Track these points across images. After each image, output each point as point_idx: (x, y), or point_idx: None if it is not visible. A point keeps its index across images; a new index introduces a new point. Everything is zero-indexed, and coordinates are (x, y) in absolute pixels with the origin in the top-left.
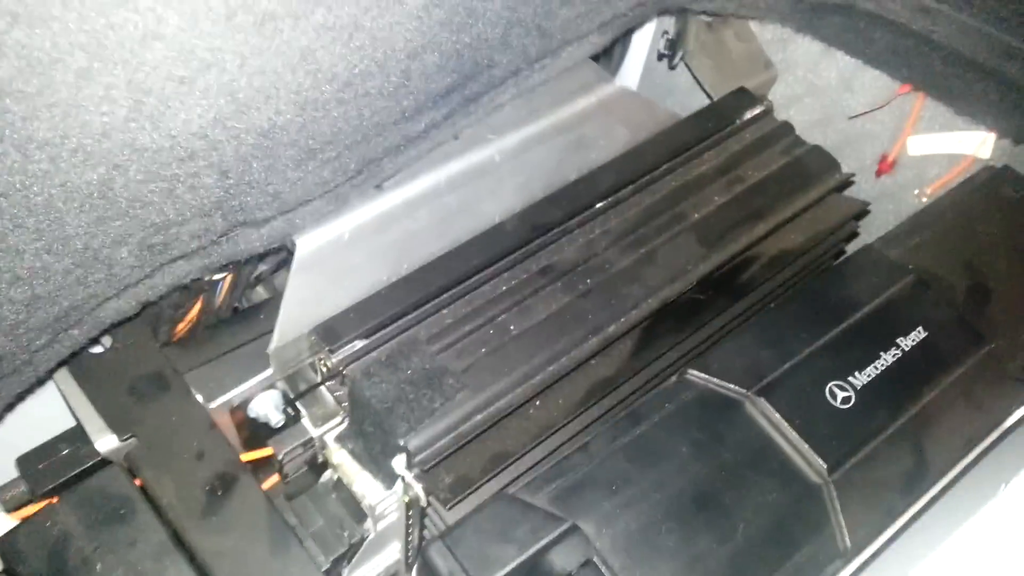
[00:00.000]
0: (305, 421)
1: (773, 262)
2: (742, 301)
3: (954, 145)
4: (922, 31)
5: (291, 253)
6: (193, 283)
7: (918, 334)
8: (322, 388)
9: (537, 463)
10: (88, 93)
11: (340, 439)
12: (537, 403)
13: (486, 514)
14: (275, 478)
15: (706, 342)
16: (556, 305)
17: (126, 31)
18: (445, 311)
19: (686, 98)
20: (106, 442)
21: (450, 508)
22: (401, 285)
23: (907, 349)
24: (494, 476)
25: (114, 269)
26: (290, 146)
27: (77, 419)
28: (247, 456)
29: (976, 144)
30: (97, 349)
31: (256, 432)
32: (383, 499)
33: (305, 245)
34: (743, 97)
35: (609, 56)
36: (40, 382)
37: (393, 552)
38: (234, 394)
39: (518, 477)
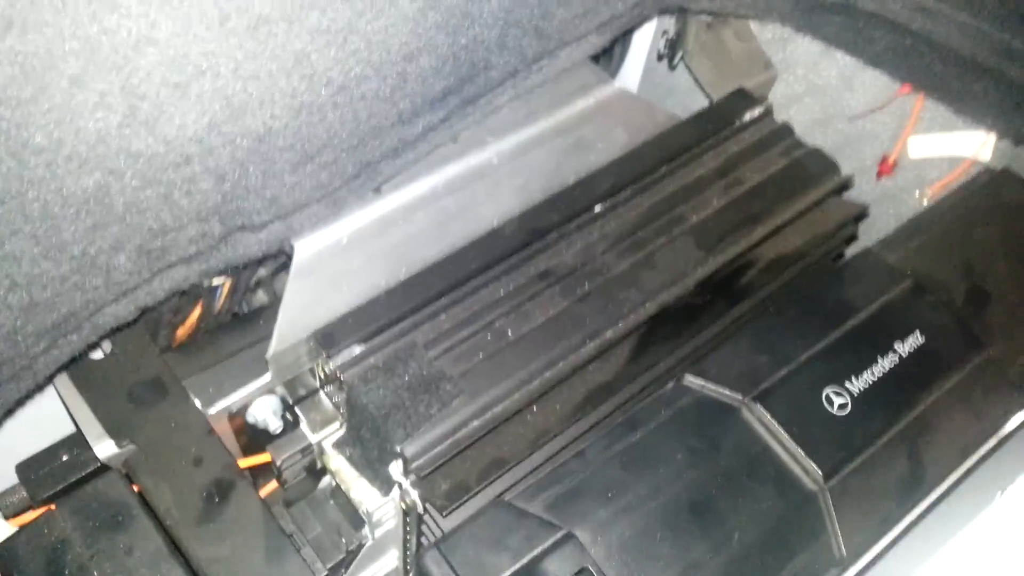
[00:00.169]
0: (303, 427)
1: (772, 266)
2: (740, 305)
3: (955, 146)
4: (922, 31)
5: (289, 257)
6: (192, 288)
7: (916, 339)
8: (320, 393)
9: (534, 469)
10: (82, 99)
11: (338, 445)
12: (534, 409)
13: (481, 522)
14: (274, 484)
15: (705, 346)
16: (554, 310)
17: (119, 37)
18: (443, 316)
19: (686, 98)
20: (105, 448)
21: (446, 515)
22: (399, 290)
23: (905, 355)
24: (491, 483)
25: (112, 275)
26: (286, 150)
27: (76, 425)
28: (245, 462)
29: (977, 145)
30: (97, 355)
31: (255, 438)
32: (380, 505)
33: (303, 249)
34: (743, 99)
35: (609, 56)
36: (40, 388)
37: (391, 560)
38: (233, 400)
39: (515, 483)
